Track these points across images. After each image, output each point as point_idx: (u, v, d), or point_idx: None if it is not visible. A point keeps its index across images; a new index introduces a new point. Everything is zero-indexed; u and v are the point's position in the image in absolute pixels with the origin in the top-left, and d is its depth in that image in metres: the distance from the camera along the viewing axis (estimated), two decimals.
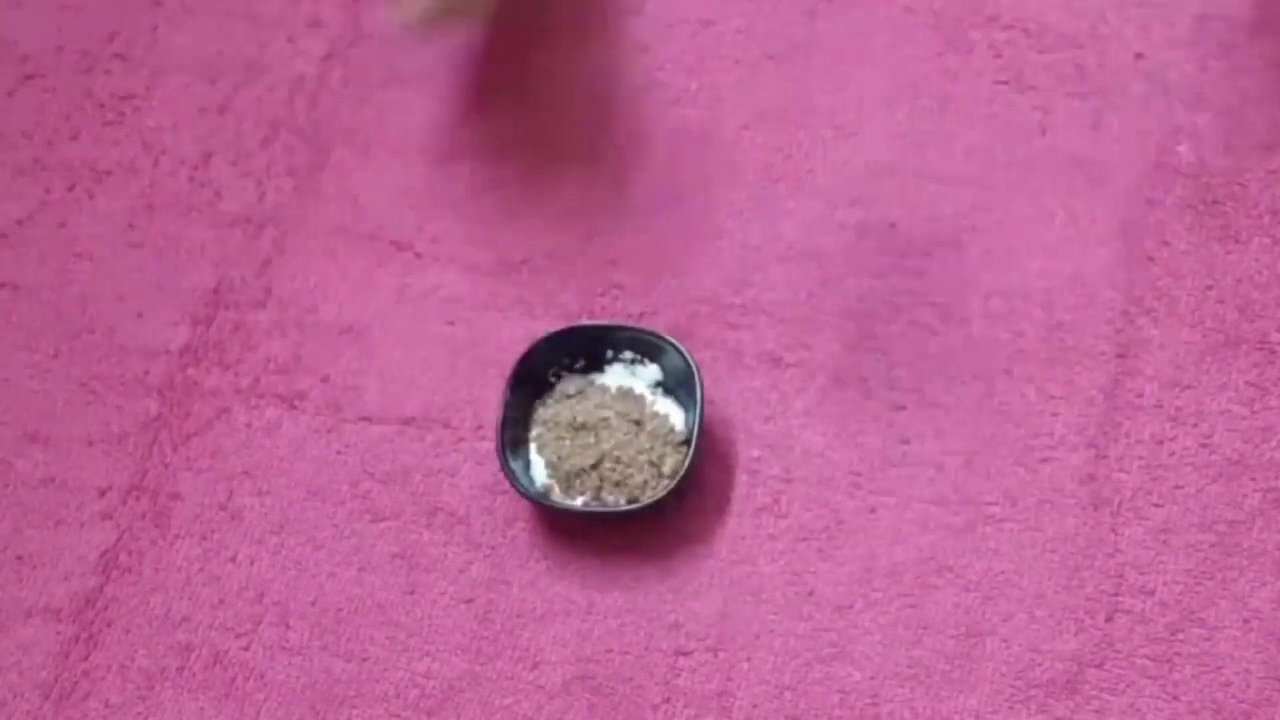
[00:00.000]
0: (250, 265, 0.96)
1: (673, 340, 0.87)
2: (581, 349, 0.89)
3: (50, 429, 0.93)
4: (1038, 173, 0.90)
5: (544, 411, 0.88)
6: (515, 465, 0.86)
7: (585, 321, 0.90)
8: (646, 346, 0.88)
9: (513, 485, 0.86)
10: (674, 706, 0.83)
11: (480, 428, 0.88)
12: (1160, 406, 0.86)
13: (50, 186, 1.00)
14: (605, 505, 0.85)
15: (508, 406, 0.87)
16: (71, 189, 1.00)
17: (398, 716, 0.84)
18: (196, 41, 1.03)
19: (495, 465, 0.88)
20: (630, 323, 0.90)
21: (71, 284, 0.97)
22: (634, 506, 0.85)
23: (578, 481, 0.85)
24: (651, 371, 0.88)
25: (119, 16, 1.05)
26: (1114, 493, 0.85)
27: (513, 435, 0.87)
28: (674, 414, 0.87)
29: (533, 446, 0.87)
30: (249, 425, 0.92)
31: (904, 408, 0.87)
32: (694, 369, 0.86)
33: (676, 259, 0.91)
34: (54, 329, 0.96)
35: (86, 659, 0.87)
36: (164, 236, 0.98)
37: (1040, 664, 0.82)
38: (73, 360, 0.95)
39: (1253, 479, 0.84)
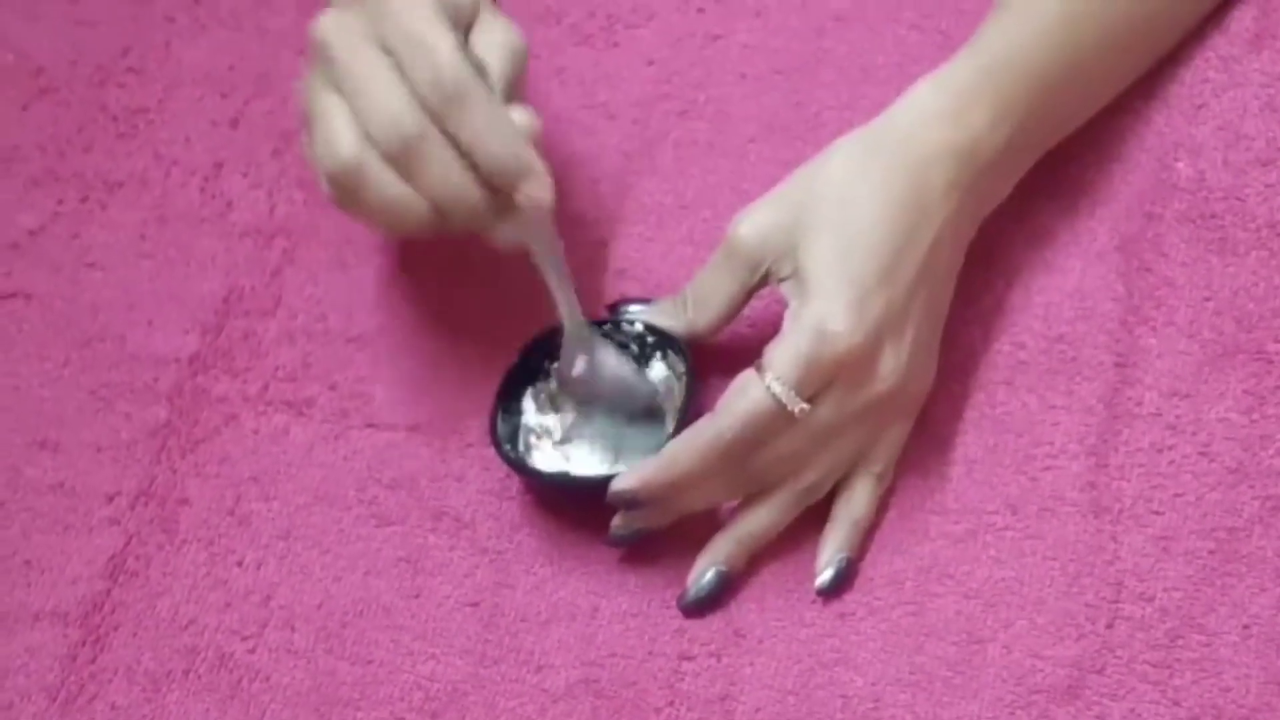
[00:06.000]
0: (260, 275, 0.97)
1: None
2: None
3: (60, 436, 0.94)
4: (1038, 189, 0.91)
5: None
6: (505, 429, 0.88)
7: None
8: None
9: (494, 442, 0.87)
10: (677, 710, 0.84)
11: (489, 433, 0.88)
12: (1159, 415, 0.87)
13: (63, 198, 1.01)
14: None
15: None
16: (84, 200, 1.01)
17: (401, 719, 0.85)
18: (209, 55, 1.05)
19: (502, 470, 0.89)
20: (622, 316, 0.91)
21: (83, 293, 0.98)
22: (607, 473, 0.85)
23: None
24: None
25: (133, 32, 1.06)
26: (1114, 500, 0.85)
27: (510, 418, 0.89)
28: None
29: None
30: (257, 432, 0.93)
31: None
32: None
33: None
34: (65, 338, 0.97)
35: (93, 662, 0.88)
36: (175, 247, 0.99)
37: (1041, 670, 0.82)
38: (83, 369, 0.96)
39: (1251, 486, 0.84)
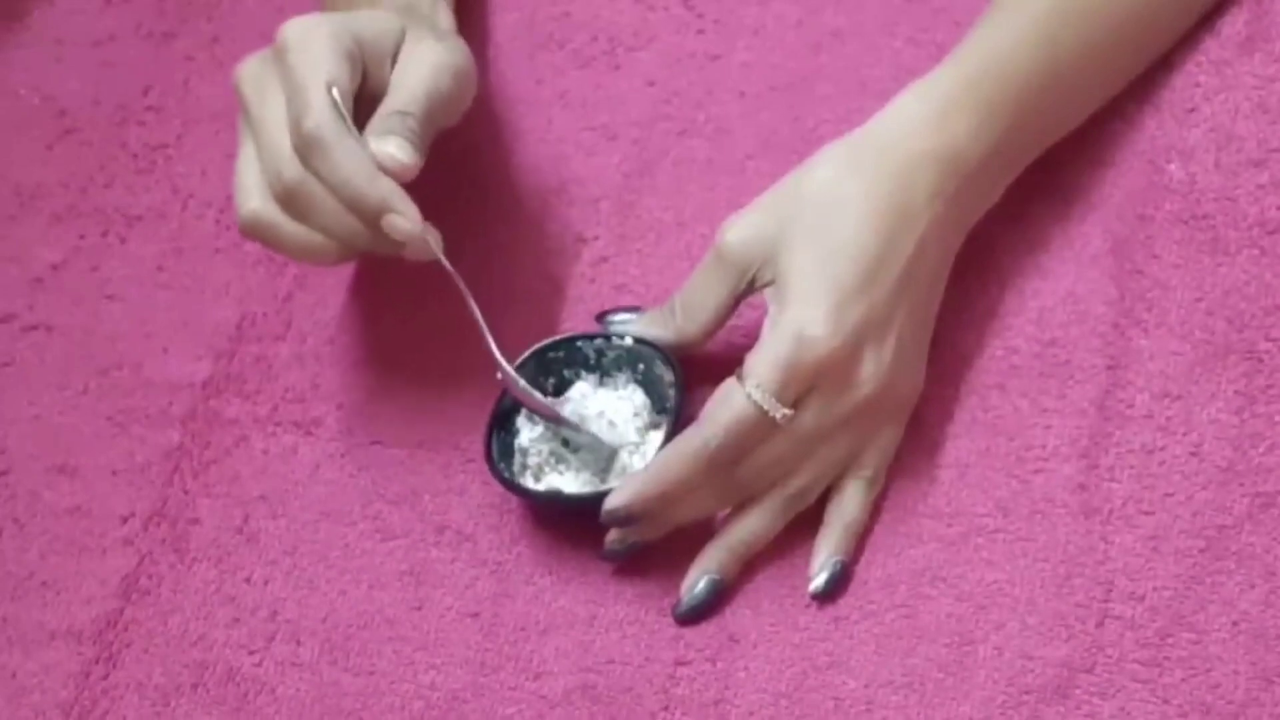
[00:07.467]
0: (272, 301, 0.99)
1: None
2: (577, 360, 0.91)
3: (78, 461, 0.96)
4: (1030, 193, 0.92)
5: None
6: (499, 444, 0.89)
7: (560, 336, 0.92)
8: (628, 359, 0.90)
9: (489, 463, 0.88)
10: (672, 714, 0.85)
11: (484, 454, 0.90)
12: (1150, 416, 0.87)
13: (84, 233, 1.04)
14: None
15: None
16: (104, 234, 1.04)
17: None
18: (225, 92, 1.05)
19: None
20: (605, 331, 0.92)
21: (102, 324, 1.01)
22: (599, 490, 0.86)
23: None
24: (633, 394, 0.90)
25: (153, 71, 1.09)
26: (1104, 501, 0.85)
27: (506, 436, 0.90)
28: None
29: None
30: (266, 452, 0.95)
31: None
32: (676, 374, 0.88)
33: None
34: (84, 367, 1.00)
35: (106, 678, 0.90)
36: (191, 276, 1.01)
37: (1032, 670, 0.83)
38: (101, 396, 0.98)
39: (1241, 485, 0.85)
